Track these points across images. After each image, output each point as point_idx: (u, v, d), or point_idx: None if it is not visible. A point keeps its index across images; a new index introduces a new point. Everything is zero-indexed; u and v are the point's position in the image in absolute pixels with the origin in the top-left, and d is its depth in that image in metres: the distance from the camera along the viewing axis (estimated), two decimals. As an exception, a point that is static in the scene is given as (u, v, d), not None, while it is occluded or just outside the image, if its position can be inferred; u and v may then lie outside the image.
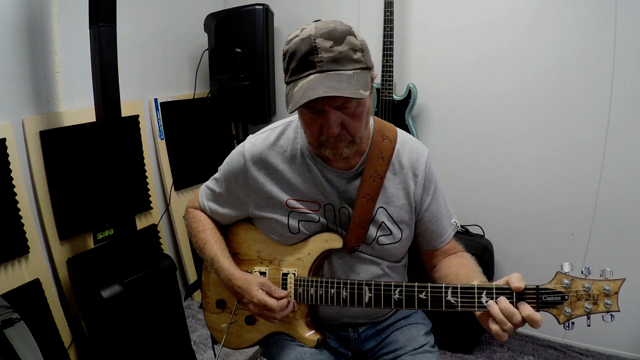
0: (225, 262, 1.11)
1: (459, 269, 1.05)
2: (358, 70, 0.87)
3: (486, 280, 0.96)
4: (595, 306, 0.79)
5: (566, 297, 0.81)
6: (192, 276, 2.56)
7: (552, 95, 1.94)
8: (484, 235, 2.15)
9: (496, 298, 0.84)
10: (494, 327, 0.83)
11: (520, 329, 2.16)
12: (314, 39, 0.85)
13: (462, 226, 2.15)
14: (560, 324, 0.82)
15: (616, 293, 0.78)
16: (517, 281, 0.83)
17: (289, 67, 0.89)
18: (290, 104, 0.87)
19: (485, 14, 2.02)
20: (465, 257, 1.11)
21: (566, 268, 0.82)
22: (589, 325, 0.80)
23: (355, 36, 0.88)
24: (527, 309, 0.81)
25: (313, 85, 0.84)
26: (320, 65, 0.85)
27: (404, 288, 0.93)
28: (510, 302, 0.82)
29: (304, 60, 0.86)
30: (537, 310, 0.82)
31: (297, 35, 0.87)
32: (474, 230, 2.16)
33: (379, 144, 1.05)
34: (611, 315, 0.79)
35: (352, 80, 0.85)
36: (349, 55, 0.86)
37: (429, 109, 2.23)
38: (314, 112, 0.89)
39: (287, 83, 0.91)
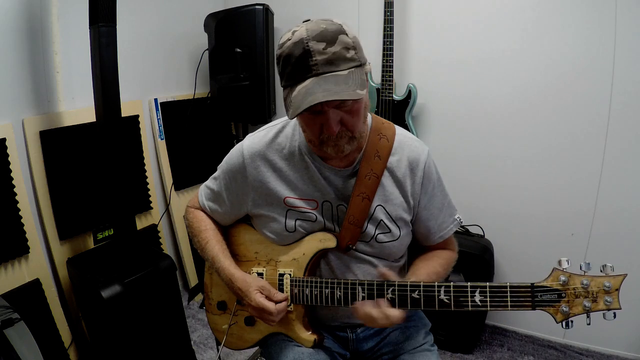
0: (225, 262, 1.11)
1: (420, 269, 1.08)
2: (353, 69, 0.87)
3: (437, 278, 1.04)
4: (594, 304, 0.77)
5: (563, 294, 0.78)
6: (192, 275, 2.56)
7: (552, 96, 1.94)
8: (484, 235, 2.14)
9: (490, 296, 0.84)
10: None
11: (520, 329, 2.18)
12: (307, 42, 0.84)
13: (462, 226, 2.14)
14: (557, 323, 0.79)
15: (617, 290, 0.76)
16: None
17: (285, 71, 0.89)
18: (290, 109, 0.87)
19: (485, 14, 2.02)
20: (435, 255, 1.12)
21: (564, 264, 0.80)
22: (588, 324, 0.78)
23: (346, 34, 0.87)
24: (383, 305, 0.92)
25: (311, 90, 0.84)
26: (316, 68, 0.85)
27: (396, 287, 0.94)
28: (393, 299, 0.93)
29: (298, 64, 0.85)
30: (533, 309, 0.80)
31: (289, 39, 0.87)
32: (474, 230, 2.15)
33: (375, 143, 1.05)
34: (613, 313, 0.77)
35: (348, 81, 0.85)
36: (342, 55, 0.86)
37: (429, 109, 2.23)
38: (313, 113, 0.89)
39: (284, 87, 0.91)
